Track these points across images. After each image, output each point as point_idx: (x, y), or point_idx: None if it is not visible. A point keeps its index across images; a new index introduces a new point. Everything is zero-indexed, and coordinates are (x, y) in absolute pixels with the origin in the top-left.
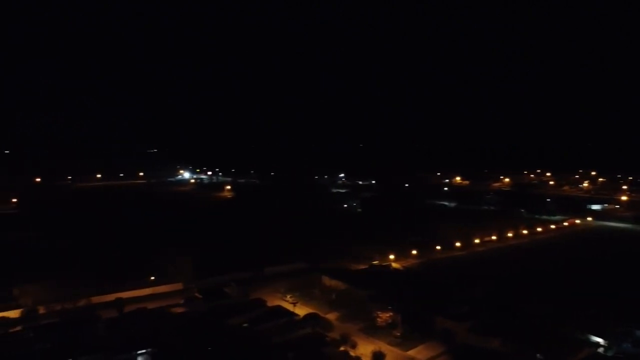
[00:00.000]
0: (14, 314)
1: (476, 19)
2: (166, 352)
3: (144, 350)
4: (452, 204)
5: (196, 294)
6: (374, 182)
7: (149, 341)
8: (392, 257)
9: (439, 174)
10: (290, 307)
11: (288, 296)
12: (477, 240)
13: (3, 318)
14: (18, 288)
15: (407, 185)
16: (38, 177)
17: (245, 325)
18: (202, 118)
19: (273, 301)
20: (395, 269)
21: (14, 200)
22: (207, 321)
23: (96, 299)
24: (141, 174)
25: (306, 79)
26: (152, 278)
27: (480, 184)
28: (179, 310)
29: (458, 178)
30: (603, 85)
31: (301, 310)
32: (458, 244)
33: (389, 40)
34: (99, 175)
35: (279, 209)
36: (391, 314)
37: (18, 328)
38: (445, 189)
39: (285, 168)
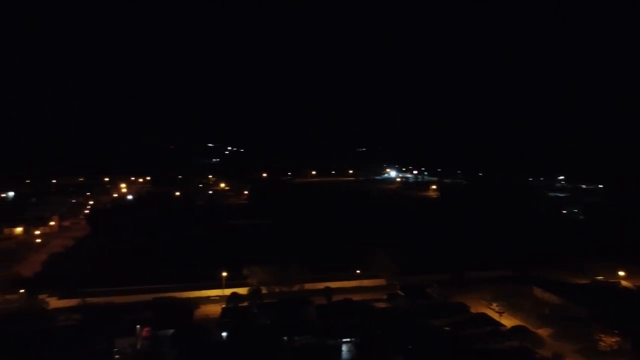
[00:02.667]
0: (243, 290)
1: None
2: (369, 344)
3: (348, 339)
4: None
5: (398, 291)
6: (601, 185)
7: (354, 331)
8: (622, 273)
9: None
10: (495, 316)
11: (494, 304)
12: None
13: (235, 293)
14: (247, 269)
15: None
16: (265, 173)
17: (447, 328)
18: (406, 117)
19: (476, 307)
20: (626, 288)
21: (246, 192)
22: (409, 319)
23: (309, 286)
24: (351, 171)
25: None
26: (358, 272)
27: None
28: (382, 305)
29: None
30: None
31: (508, 321)
32: None
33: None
34: (314, 172)
35: (486, 211)
36: (618, 338)
37: (245, 303)
38: None
39: (495, 168)
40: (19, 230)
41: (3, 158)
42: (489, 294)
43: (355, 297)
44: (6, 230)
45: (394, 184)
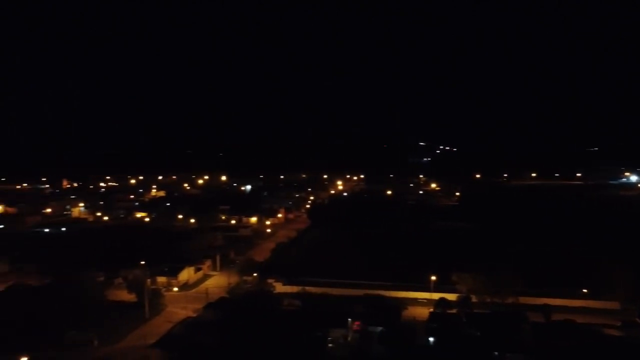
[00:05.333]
0: (451, 296)
1: None
2: None
3: None
4: None
5: (637, 319)
6: None
7: (578, 359)
8: None
9: None
10: None
11: None
12: None
13: (443, 299)
14: (456, 274)
15: None
16: (478, 174)
17: None
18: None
19: None
20: None
21: (457, 193)
22: None
23: (524, 299)
24: (578, 174)
25: None
26: (584, 290)
27: None
28: (614, 332)
29: None
30: None
31: None
32: None
33: None
34: (533, 174)
35: None
36: None
37: (454, 310)
38: None
39: None
40: (254, 220)
41: (246, 157)
42: None
43: (580, 320)
44: (244, 220)
45: (634, 190)
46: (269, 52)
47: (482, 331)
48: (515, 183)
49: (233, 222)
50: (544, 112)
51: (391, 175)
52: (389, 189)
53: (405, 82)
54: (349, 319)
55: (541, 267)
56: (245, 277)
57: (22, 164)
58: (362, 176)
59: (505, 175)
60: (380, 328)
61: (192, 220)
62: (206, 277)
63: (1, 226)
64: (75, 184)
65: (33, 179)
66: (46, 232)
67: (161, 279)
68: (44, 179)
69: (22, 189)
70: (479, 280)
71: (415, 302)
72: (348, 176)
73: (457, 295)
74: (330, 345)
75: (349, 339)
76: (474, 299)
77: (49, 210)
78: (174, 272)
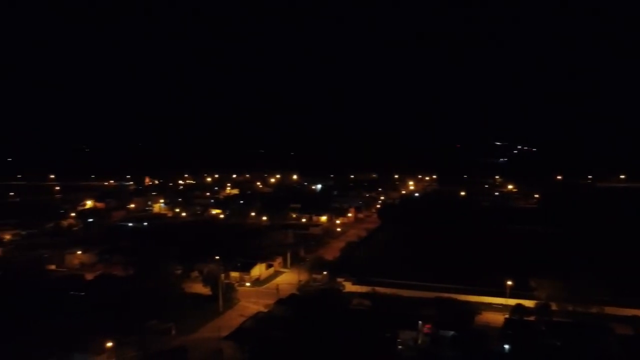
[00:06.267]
0: (528, 303)
1: None
2: None
3: None
4: None
5: None
6: None
7: None
8: None
9: None
10: None
11: None
12: None
13: (520, 305)
14: (535, 280)
15: None
16: (559, 175)
17: None
18: None
19: None
20: None
21: (536, 196)
22: None
23: (610, 310)
24: None
25: None
26: None
27: None
28: None
29: None
30: None
31: None
32: None
33: None
34: (622, 176)
35: None
36: None
37: (532, 318)
38: None
39: None
40: (324, 218)
41: (317, 157)
42: None
43: None
44: (315, 218)
45: None
46: (347, 47)
47: (563, 342)
48: (601, 185)
49: (304, 220)
50: (633, 108)
51: (465, 176)
52: (463, 190)
53: (482, 79)
54: (420, 322)
55: (630, 275)
56: (315, 275)
57: (110, 162)
58: (434, 176)
59: (590, 177)
60: (452, 332)
61: (264, 218)
62: (277, 273)
63: (91, 220)
64: (157, 182)
65: (119, 176)
66: (130, 226)
67: (234, 274)
68: (129, 176)
69: (109, 185)
70: (560, 286)
71: (489, 307)
72: (420, 176)
73: (535, 302)
74: (399, 347)
75: (419, 341)
76: (553, 306)
77: (132, 205)
78: (246, 268)
